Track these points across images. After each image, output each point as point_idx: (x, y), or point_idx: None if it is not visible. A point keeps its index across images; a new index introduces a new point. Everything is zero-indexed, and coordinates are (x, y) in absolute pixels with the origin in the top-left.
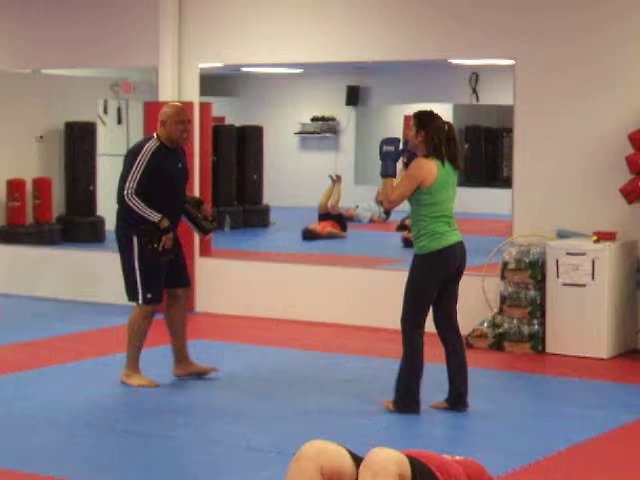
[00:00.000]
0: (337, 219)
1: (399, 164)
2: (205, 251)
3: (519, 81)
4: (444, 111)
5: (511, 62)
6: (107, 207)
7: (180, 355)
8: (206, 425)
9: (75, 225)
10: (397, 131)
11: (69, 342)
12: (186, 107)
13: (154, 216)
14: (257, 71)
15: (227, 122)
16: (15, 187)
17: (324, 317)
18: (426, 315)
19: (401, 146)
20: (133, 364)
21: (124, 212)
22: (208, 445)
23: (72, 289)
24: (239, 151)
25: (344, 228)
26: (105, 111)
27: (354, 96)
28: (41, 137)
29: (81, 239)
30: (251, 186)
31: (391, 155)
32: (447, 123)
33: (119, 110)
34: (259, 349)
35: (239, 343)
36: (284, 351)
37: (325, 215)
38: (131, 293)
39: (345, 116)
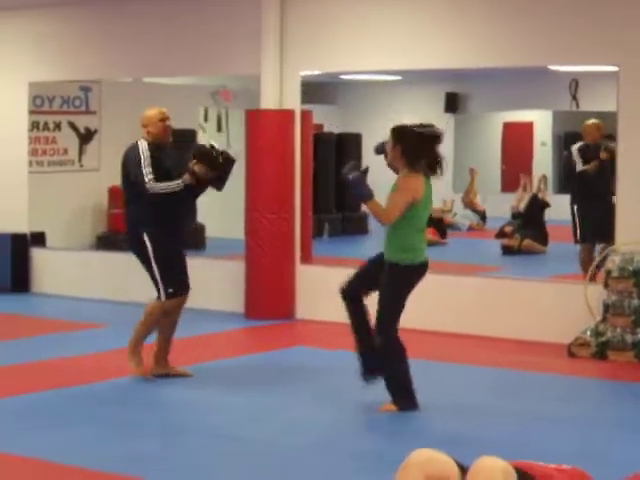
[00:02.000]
0: (437, 226)
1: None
2: (306, 258)
3: (623, 88)
4: (543, 118)
5: (614, 69)
6: (208, 214)
7: (160, 355)
8: (305, 435)
9: None
10: (497, 139)
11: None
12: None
13: (177, 184)
14: (355, 78)
15: (326, 129)
16: (117, 194)
17: (423, 324)
18: (398, 321)
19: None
20: (136, 348)
21: (132, 215)
22: (312, 453)
23: None
24: (338, 158)
25: (444, 235)
26: (205, 119)
27: (453, 103)
28: None
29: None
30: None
31: (359, 180)
32: (429, 133)
33: (219, 118)
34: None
35: (338, 350)
36: None
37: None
38: (156, 290)
39: (443, 123)
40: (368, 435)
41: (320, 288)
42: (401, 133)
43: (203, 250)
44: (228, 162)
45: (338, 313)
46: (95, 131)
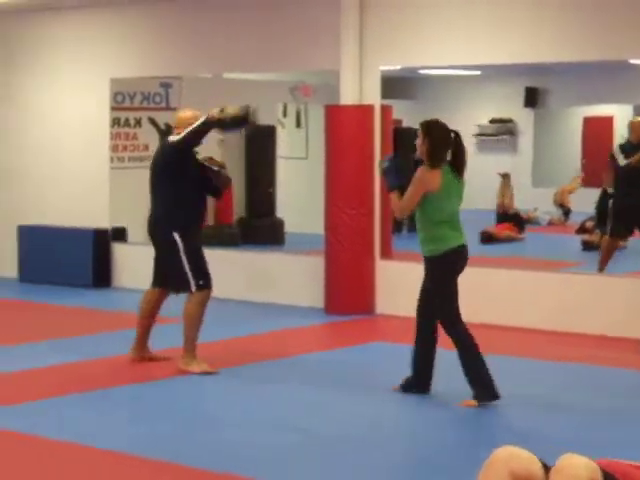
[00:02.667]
0: (515, 220)
1: None
2: (385, 254)
3: None
4: (624, 112)
5: None
6: (287, 209)
7: (142, 340)
8: (392, 428)
9: (255, 227)
10: (577, 133)
11: (248, 343)
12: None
13: (201, 122)
14: (434, 73)
15: (405, 125)
16: None
17: (501, 320)
18: (457, 308)
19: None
20: (192, 351)
21: (160, 213)
22: (386, 447)
23: (251, 290)
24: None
25: (522, 230)
26: (284, 114)
27: (533, 98)
28: (222, 140)
29: (261, 241)
30: None
31: (391, 169)
32: (455, 132)
33: (298, 113)
34: (438, 351)
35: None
36: None
37: (503, 216)
38: (183, 285)
39: (523, 118)
40: (448, 430)
41: (400, 283)
42: (430, 127)
43: (282, 246)
44: (247, 117)
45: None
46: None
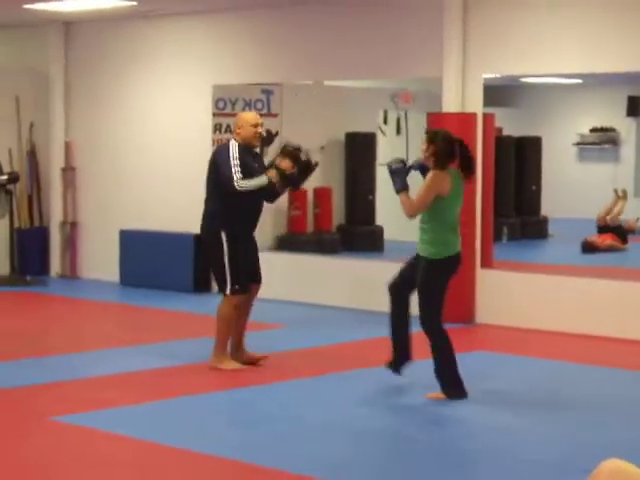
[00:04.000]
0: (617, 231)
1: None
2: (486, 262)
3: None
4: None
5: None
6: (386, 217)
7: (240, 345)
8: (486, 437)
9: (354, 234)
10: None
11: (347, 350)
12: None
13: (262, 179)
14: (536, 81)
15: (505, 133)
16: (297, 196)
17: (603, 331)
18: (441, 313)
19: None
20: (223, 349)
21: (212, 211)
22: (493, 459)
23: (350, 297)
24: (517, 162)
25: (624, 240)
26: (385, 121)
27: (635, 107)
28: (322, 147)
29: (360, 248)
30: (529, 197)
31: (400, 171)
32: (459, 141)
33: (398, 120)
34: (539, 362)
35: (518, 355)
36: (564, 365)
37: (604, 227)
38: (221, 286)
39: (625, 127)
40: (547, 442)
41: (500, 292)
42: (435, 135)
43: (381, 253)
44: (310, 164)
45: (519, 318)
46: (276, 133)
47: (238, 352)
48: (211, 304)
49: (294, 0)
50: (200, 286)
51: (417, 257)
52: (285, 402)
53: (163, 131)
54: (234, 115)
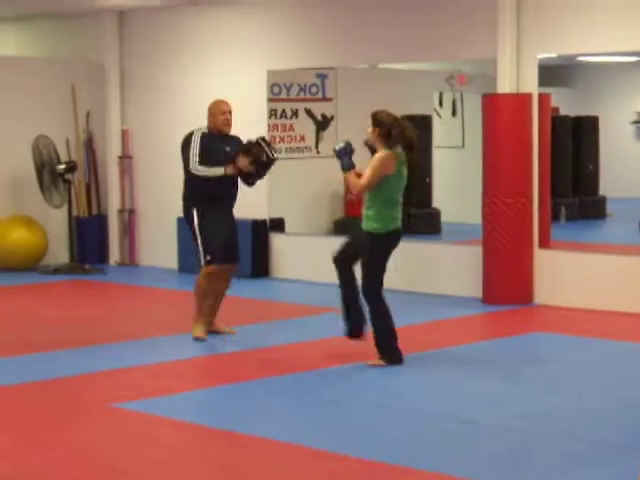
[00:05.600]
0: None
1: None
2: (544, 243)
3: None
4: None
5: None
6: (444, 199)
7: (212, 317)
8: (545, 422)
9: (412, 217)
10: None
11: (406, 333)
12: None
13: (218, 170)
14: (591, 60)
15: (562, 113)
16: None
17: None
18: (382, 283)
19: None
20: (196, 317)
21: (186, 189)
22: (552, 440)
23: (410, 280)
24: (574, 142)
25: None
26: (440, 104)
27: None
28: None
29: (417, 231)
30: (587, 177)
31: (345, 151)
32: (401, 118)
33: (454, 102)
34: (598, 342)
35: (577, 336)
36: (623, 345)
37: None
38: (197, 259)
39: None
40: (609, 423)
41: (559, 273)
42: (379, 117)
43: (439, 235)
44: (269, 161)
45: (577, 298)
46: (332, 118)
47: (210, 323)
48: (270, 289)
49: None
50: (258, 271)
51: (360, 231)
52: (349, 386)
53: None
54: (289, 100)
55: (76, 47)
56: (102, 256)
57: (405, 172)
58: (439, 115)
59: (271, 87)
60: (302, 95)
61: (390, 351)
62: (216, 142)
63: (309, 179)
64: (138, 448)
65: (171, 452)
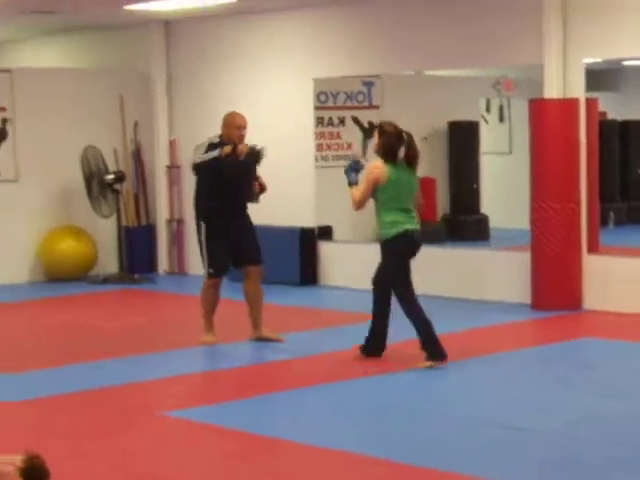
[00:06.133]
0: None
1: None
2: (592, 248)
3: None
4: None
5: None
6: (490, 205)
7: (254, 322)
8: (595, 428)
9: (459, 223)
10: None
11: (455, 340)
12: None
13: (214, 153)
14: (638, 64)
15: (609, 117)
16: None
17: None
18: (408, 286)
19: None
20: (204, 325)
21: (193, 204)
22: (601, 445)
23: (458, 287)
24: (622, 146)
25: None
26: (487, 109)
27: None
28: (425, 138)
29: (465, 237)
30: (635, 181)
31: (352, 168)
32: (407, 133)
33: (501, 108)
34: None
35: (627, 341)
36: None
37: None
38: (203, 268)
39: None
40: None
41: (608, 278)
42: (383, 129)
43: (487, 241)
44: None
45: (627, 303)
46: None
47: (256, 330)
48: (318, 297)
49: None
50: (307, 279)
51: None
52: (399, 392)
53: (265, 126)
54: (336, 108)
55: (123, 58)
56: (151, 265)
57: (406, 180)
58: (486, 121)
59: (318, 95)
60: (349, 103)
61: (435, 350)
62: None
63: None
64: (185, 456)
65: (217, 460)
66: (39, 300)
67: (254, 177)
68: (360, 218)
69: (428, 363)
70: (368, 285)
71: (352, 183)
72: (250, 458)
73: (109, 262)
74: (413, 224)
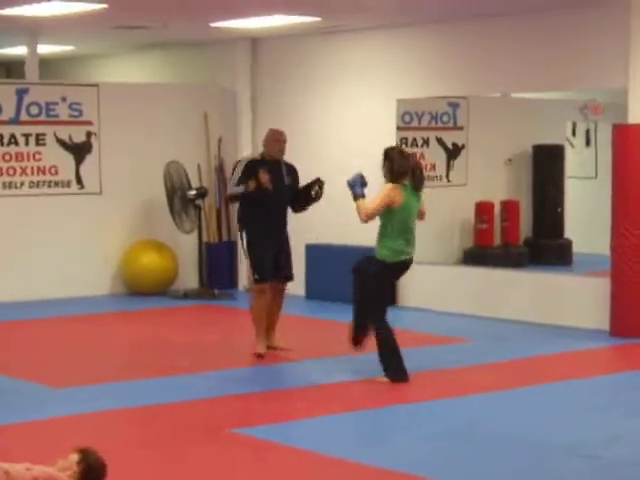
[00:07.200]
0: None
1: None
2: None
3: None
4: None
5: None
6: (575, 229)
7: (269, 333)
8: None
9: (542, 247)
10: None
11: (534, 364)
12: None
13: (239, 189)
14: None
15: None
16: (484, 209)
17: None
18: (386, 308)
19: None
20: (258, 334)
21: (239, 212)
22: None
23: (538, 311)
24: None
25: None
26: (573, 133)
27: None
28: (510, 160)
29: (548, 261)
30: None
31: (358, 181)
32: (412, 156)
33: (587, 132)
34: None
35: None
36: None
37: None
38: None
39: None
40: None
41: None
42: (388, 153)
43: (570, 266)
44: (313, 198)
45: None
46: (462, 146)
47: (269, 339)
48: (396, 318)
49: (479, 13)
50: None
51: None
52: (471, 417)
53: (347, 145)
54: (420, 129)
55: (209, 74)
56: (231, 281)
57: (414, 205)
58: (572, 145)
59: (402, 115)
60: (433, 124)
61: (395, 369)
62: (263, 167)
63: (439, 207)
64: (252, 475)
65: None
66: (118, 313)
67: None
68: (442, 239)
69: (384, 379)
70: (448, 307)
71: (358, 195)
72: (315, 479)
73: (189, 277)
74: (410, 253)
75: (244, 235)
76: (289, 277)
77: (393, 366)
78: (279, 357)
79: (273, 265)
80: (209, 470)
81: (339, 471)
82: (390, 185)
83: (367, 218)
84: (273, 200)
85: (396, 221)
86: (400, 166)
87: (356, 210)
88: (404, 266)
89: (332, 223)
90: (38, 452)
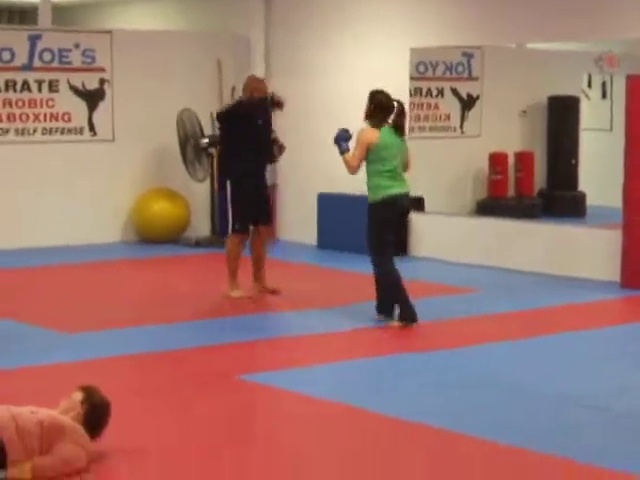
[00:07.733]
0: None
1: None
2: None
3: None
4: None
5: None
6: (589, 181)
7: (257, 277)
8: None
9: (556, 199)
10: None
11: (543, 316)
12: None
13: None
14: None
15: None
16: (498, 160)
17: None
18: (387, 246)
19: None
20: (231, 280)
21: (220, 162)
22: None
23: (549, 263)
24: None
25: None
26: (589, 85)
27: None
28: (524, 111)
29: (561, 213)
30: None
31: (342, 137)
32: (397, 100)
33: (603, 84)
34: None
35: None
36: None
37: None
38: (228, 226)
39: None
40: None
41: None
42: (372, 95)
43: (583, 218)
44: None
45: None
46: (477, 97)
47: (255, 282)
48: (408, 268)
49: None
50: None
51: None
52: (481, 366)
53: (360, 94)
54: (434, 79)
55: (222, 21)
56: None
57: (396, 144)
58: (587, 97)
59: (416, 65)
60: (448, 74)
61: (406, 310)
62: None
63: (452, 159)
64: (260, 419)
65: (292, 425)
66: (129, 260)
67: (272, 138)
68: (456, 190)
69: (397, 323)
70: (460, 258)
71: (344, 150)
72: (323, 425)
73: (202, 226)
74: (402, 188)
75: (228, 185)
76: (268, 221)
77: (406, 309)
78: (286, 304)
79: (254, 213)
80: (217, 416)
81: (346, 418)
82: (362, 129)
83: (353, 170)
84: (255, 149)
85: (376, 159)
86: (379, 109)
87: (345, 165)
88: (397, 204)
89: (345, 173)
90: (44, 396)
